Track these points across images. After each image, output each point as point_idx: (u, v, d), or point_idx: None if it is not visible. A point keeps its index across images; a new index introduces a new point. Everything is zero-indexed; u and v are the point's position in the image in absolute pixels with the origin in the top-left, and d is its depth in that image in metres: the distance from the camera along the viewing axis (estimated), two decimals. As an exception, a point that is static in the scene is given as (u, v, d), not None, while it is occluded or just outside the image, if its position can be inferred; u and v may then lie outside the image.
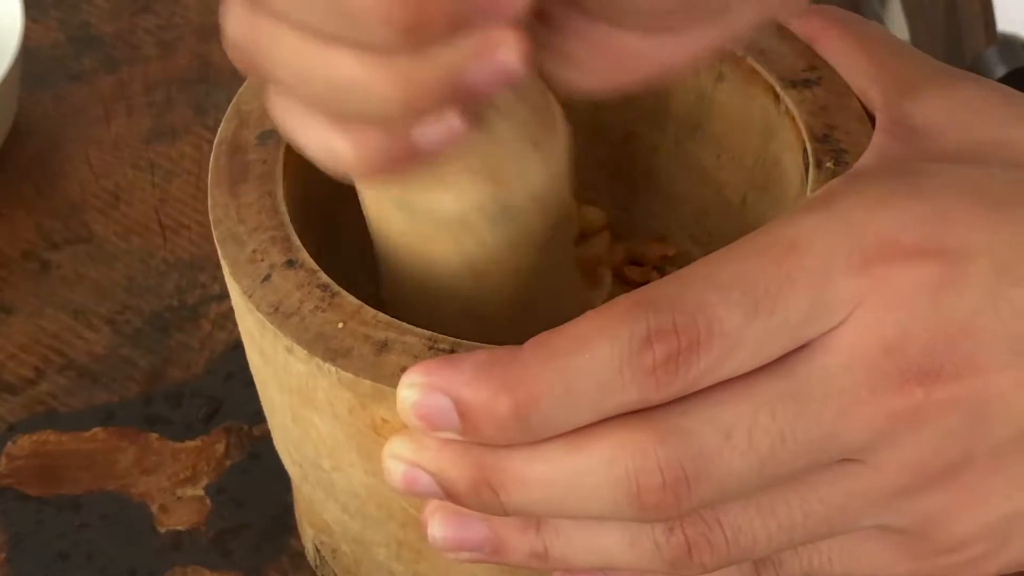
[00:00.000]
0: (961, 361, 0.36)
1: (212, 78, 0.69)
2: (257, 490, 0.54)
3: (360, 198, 0.42)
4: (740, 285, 0.36)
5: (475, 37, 0.32)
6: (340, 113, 0.34)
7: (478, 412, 0.35)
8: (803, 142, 0.44)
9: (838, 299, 0.36)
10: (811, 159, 0.43)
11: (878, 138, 0.42)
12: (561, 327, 0.36)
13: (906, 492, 0.37)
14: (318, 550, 0.50)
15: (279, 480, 0.52)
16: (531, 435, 0.36)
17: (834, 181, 0.40)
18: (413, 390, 0.36)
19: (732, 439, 0.35)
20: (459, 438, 0.36)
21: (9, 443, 0.56)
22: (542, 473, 0.36)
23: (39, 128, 0.67)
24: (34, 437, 0.56)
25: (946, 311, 0.36)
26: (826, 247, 0.36)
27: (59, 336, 0.59)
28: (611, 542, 0.37)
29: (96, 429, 0.56)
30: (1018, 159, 0.40)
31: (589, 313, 0.36)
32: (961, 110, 0.42)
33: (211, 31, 0.71)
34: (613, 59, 0.36)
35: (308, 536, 0.50)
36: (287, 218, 0.42)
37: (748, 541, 0.37)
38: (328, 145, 0.35)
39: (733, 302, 0.35)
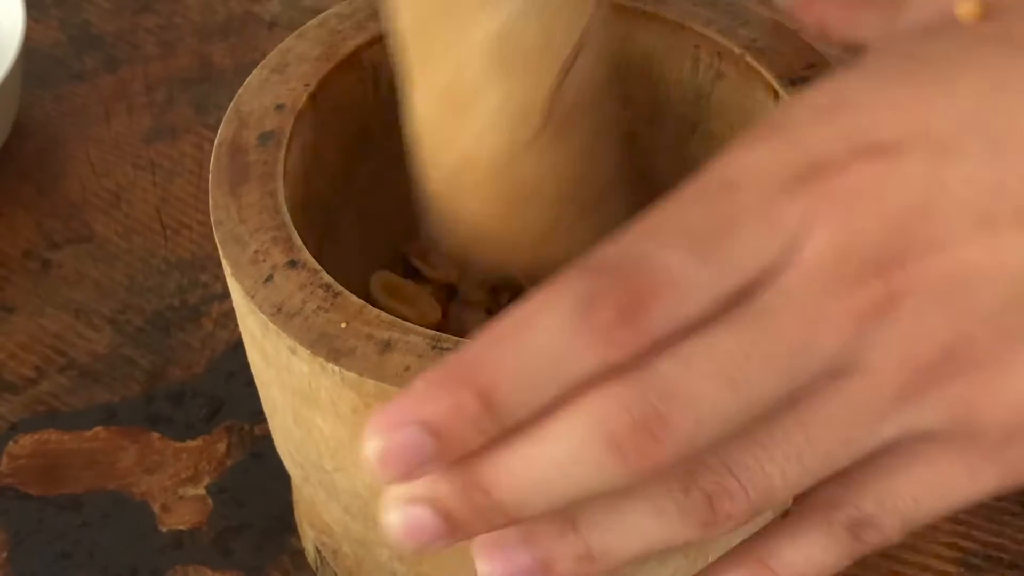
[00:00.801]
0: (919, 245, 0.35)
1: (213, 77, 0.69)
2: (258, 489, 0.54)
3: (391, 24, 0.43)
4: (679, 232, 0.35)
5: None
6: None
7: (447, 419, 0.35)
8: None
9: (782, 225, 0.35)
10: (811, 158, 0.43)
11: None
12: (508, 310, 0.35)
13: (914, 389, 0.36)
14: (319, 551, 0.50)
15: (280, 479, 0.52)
16: (504, 421, 0.35)
17: (774, 111, 0.39)
18: (377, 440, 0.35)
19: (693, 366, 0.34)
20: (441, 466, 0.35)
21: (10, 442, 0.56)
22: (525, 454, 0.35)
23: (40, 127, 0.67)
24: (35, 436, 0.56)
25: (893, 204, 0.35)
26: (761, 178, 0.36)
27: (60, 335, 0.59)
28: (639, 518, 0.36)
29: (97, 428, 0.56)
30: (990, 17, 0.39)
31: (533, 291, 0.35)
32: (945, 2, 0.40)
33: (212, 31, 0.71)
34: None
35: (309, 537, 0.50)
36: (288, 218, 0.43)
37: (762, 480, 0.36)
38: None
39: (673, 249, 0.35)
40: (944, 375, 0.36)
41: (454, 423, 0.34)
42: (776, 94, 0.46)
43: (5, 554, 0.52)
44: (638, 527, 0.36)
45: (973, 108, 0.36)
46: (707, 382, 0.35)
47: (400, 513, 0.36)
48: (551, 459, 0.35)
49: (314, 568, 0.51)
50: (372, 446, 0.35)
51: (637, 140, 0.51)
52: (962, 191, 0.35)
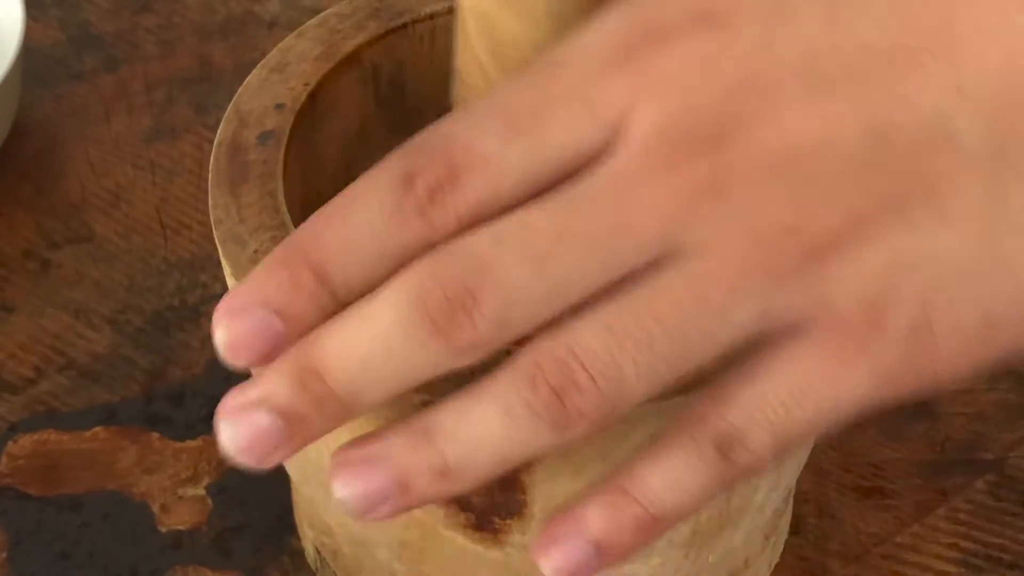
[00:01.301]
0: (748, 119, 0.34)
1: (212, 77, 0.69)
2: (258, 490, 0.54)
3: None
4: (495, 111, 0.35)
5: None
6: None
7: (288, 295, 0.35)
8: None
9: (606, 104, 0.34)
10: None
11: None
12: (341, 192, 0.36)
13: (760, 267, 0.34)
14: (319, 552, 0.50)
15: (280, 480, 0.52)
16: (339, 295, 0.35)
17: None
18: (224, 328, 0.35)
19: (505, 244, 0.34)
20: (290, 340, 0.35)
21: (10, 442, 0.56)
22: (350, 333, 0.35)
23: (40, 127, 0.67)
24: (35, 437, 0.56)
25: (720, 75, 0.34)
26: (588, 54, 0.35)
27: (60, 335, 0.59)
28: (490, 422, 0.35)
29: (97, 428, 0.56)
30: None
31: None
32: None
33: (211, 30, 0.71)
34: None
35: (308, 538, 0.50)
36: (288, 218, 0.43)
37: (612, 370, 0.34)
38: None
39: (486, 128, 0.35)
40: (790, 252, 0.34)
41: (293, 299, 0.35)
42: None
43: (5, 554, 0.52)
44: (490, 432, 0.35)
45: None
46: (516, 260, 0.34)
47: (234, 426, 0.35)
48: (374, 336, 0.35)
49: (314, 568, 0.51)
50: (219, 337, 0.35)
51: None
52: (795, 58, 0.34)
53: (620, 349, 0.34)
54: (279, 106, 0.46)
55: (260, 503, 0.53)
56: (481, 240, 0.34)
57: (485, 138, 0.35)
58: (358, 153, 0.49)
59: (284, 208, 0.43)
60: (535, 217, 0.34)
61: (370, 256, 0.35)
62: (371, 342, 0.35)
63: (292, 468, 0.46)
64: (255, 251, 0.42)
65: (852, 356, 0.35)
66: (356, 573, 0.48)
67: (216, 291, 0.60)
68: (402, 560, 0.44)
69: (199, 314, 0.59)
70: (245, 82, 0.46)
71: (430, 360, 0.35)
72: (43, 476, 0.54)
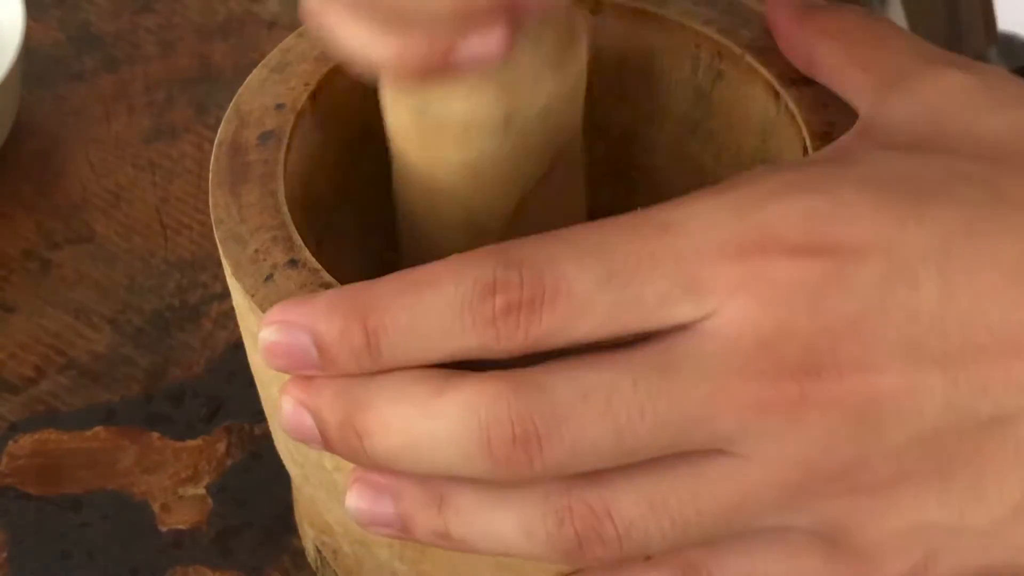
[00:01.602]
0: (844, 361, 0.35)
1: (213, 77, 0.69)
2: (258, 489, 0.54)
3: (382, 102, 0.43)
4: (598, 253, 0.35)
5: None
6: (390, 13, 0.34)
7: (334, 342, 0.36)
8: (803, 140, 0.44)
9: (707, 286, 0.35)
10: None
11: (845, 136, 0.41)
12: (423, 265, 0.36)
13: (802, 492, 0.36)
14: (319, 551, 0.50)
15: (280, 479, 0.52)
16: (381, 363, 0.36)
17: (750, 171, 0.39)
18: (270, 330, 0.37)
19: (589, 401, 0.35)
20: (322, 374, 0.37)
21: (10, 442, 0.56)
22: (404, 417, 0.36)
23: (40, 127, 0.67)
24: (35, 436, 0.56)
25: (830, 310, 0.35)
26: (701, 232, 0.35)
27: (60, 335, 0.59)
28: (506, 529, 0.37)
29: (97, 428, 0.56)
30: (985, 150, 0.38)
31: (453, 255, 0.36)
32: (939, 101, 0.40)
33: (212, 31, 0.71)
34: None
35: (309, 537, 0.50)
36: (288, 218, 0.43)
37: (641, 536, 0.36)
38: (369, 45, 0.34)
39: (585, 267, 0.35)
40: (833, 490, 0.36)
41: (337, 347, 0.36)
42: (776, 94, 0.46)
43: (5, 554, 0.52)
44: (501, 535, 0.37)
45: (939, 244, 0.36)
46: (594, 424, 0.35)
47: (290, 406, 0.38)
48: (427, 434, 0.36)
49: (314, 568, 0.51)
50: (262, 335, 0.37)
51: (637, 139, 0.51)
52: (902, 320, 0.35)
53: (655, 523, 0.36)
54: (279, 106, 0.46)
55: (260, 503, 0.53)
56: (565, 389, 0.35)
57: (580, 275, 0.35)
58: (359, 153, 0.49)
59: (285, 208, 0.43)
60: (621, 380, 0.35)
61: (425, 344, 0.36)
62: (421, 436, 0.36)
63: (293, 467, 0.46)
64: (255, 251, 0.42)
65: (841, 571, 0.37)
66: (357, 572, 0.48)
67: (216, 291, 0.60)
68: (403, 559, 0.44)
69: (199, 314, 0.59)
70: (245, 82, 0.46)
71: (472, 472, 0.36)
72: (43, 476, 0.55)
